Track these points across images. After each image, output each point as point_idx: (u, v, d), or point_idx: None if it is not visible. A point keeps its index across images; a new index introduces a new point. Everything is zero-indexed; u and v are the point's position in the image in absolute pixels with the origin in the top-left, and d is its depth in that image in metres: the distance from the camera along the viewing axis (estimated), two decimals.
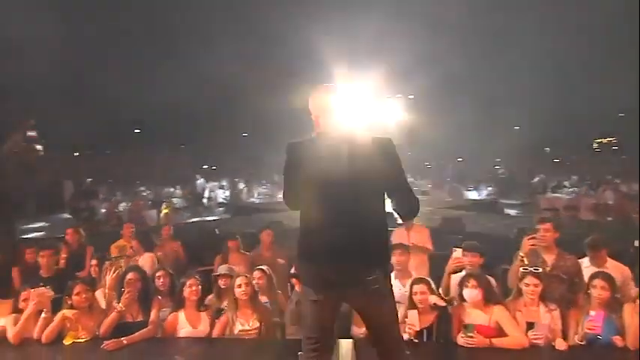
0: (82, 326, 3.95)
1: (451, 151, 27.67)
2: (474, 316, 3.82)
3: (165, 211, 14.50)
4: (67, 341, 3.89)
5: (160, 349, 3.83)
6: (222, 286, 4.50)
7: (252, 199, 19.08)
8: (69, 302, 4.00)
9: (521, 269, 3.97)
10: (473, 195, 16.07)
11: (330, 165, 2.28)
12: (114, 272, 4.30)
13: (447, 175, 22.36)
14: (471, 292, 3.84)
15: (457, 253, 4.41)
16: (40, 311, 3.95)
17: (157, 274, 4.56)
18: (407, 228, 6.36)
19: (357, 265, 2.26)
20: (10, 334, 3.88)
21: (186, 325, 4.08)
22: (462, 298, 3.92)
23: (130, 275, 4.14)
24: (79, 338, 3.91)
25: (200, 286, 4.23)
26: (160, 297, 4.32)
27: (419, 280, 4.05)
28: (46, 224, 13.45)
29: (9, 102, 12.32)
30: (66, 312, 3.95)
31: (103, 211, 14.53)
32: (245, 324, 4.09)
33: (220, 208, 16.93)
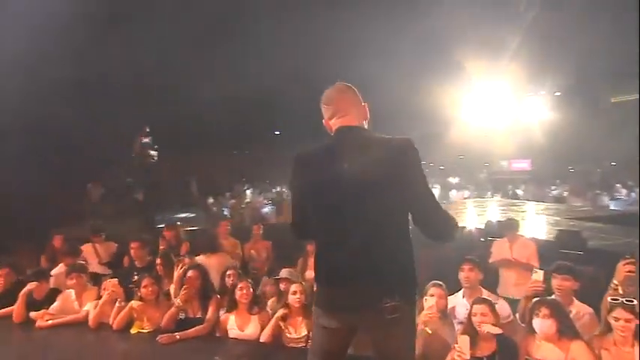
0: (147, 317, 4.24)
1: (601, 154, 24.34)
2: (545, 351, 3.25)
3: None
4: (133, 330, 4.21)
5: (208, 347, 3.92)
6: (283, 290, 4.47)
7: None
8: (138, 294, 4.31)
9: (609, 299, 3.27)
10: (617, 205, 13.90)
11: (338, 176, 2.01)
12: (180, 268, 4.52)
13: (593, 181, 19.72)
14: (542, 323, 3.26)
15: (537, 275, 3.80)
16: (116, 300, 4.32)
17: (227, 273, 4.70)
18: (510, 240, 5.76)
19: (371, 290, 1.96)
20: (90, 318, 4.32)
21: (234, 326, 4.13)
22: (532, 329, 3.36)
23: (190, 273, 4.32)
24: (143, 328, 4.21)
25: (252, 289, 4.24)
26: (218, 296, 4.43)
27: (481, 300, 3.58)
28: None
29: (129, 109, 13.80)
30: (133, 303, 4.28)
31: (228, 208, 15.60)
32: (294, 332, 4.00)
33: None
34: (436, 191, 19.42)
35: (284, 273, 4.67)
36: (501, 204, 14.51)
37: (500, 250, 5.81)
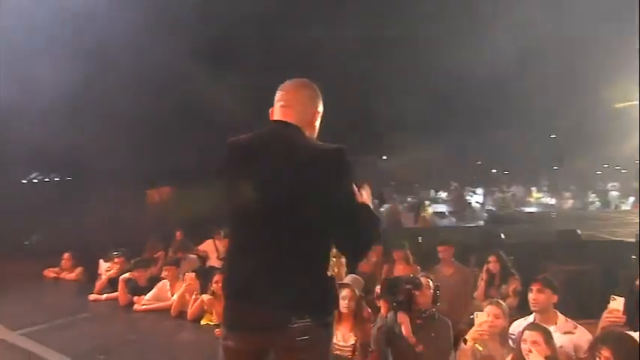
0: (215, 311, 4.56)
1: None
2: None
3: (423, 214, 14.75)
4: (202, 321, 4.58)
5: None
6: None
7: (528, 208, 17.24)
8: (211, 289, 4.67)
9: None
10: None
11: (258, 177, 1.81)
12: None
13: None
14: None
15: (615, 303, 3.07)
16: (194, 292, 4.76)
17: None
18: None
19: (281, 308, 1.76)
20: (172, 307, 4.83)
21: None
22: None
23: None
24: (211, 321, 4.55)
25: None
26: None
27: (534, 327, 3.06)
28: None
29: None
30: (204, 296, 4.64)
31: None
32: (341, 339, 3.90)
33: (485, 214, 15.95)
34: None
35: (348, 279, 4.57)
36: None
37: None
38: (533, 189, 19.45)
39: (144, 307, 5.02)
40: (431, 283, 3.93)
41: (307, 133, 1.94)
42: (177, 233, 7.54)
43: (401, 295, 3.58)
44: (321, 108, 2.03)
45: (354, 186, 1.86)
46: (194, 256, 6.52)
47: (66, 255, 6.57)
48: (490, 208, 17.06)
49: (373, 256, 7.00)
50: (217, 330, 4.21)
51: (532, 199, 18.47)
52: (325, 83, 2.13)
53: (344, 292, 3.97)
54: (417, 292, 3.62)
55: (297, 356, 1.78)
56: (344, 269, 5.17)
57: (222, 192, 1.94)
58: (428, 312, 3.73)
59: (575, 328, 3.41)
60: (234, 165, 1.93)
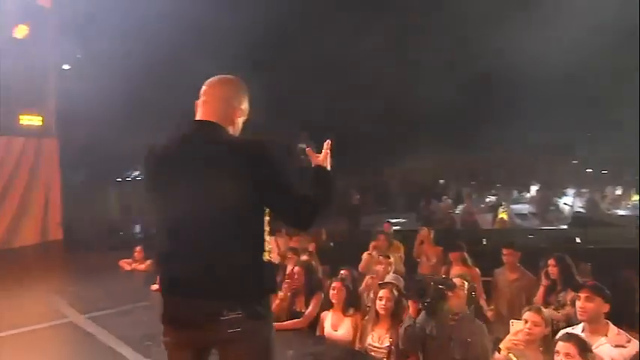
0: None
1: None
2: None
3: (501, 215, 14.05)
4: None
5: (294, 341, 4.12)
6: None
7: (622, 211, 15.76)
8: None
9: None
10: None
11: (180, 175, 1.85)
12: (294, 265, 4.84)
13: None
14: None
15: None
16: None
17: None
18: None
19: (210, 302, 1.78)
20: None
21: (328, 325, 4.20)
22: None
23: (295, 269, 4.60)
24: None
25: (346, 290, 4.22)
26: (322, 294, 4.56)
27: (568, 337, 2.80)
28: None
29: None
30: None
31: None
32: (377, 341, 3.85)
33: (570, 217, 14.82)
34: None
35: (390, 277, 4.49)
36: None
37: None
38: (633, 190, 17.70)
39: None
40: (466, 284, 3.76)
41: (230, 130, 1.96)
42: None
43: (429, 295, 3.47)
44: (244, 105, 2.02)
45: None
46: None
47: (138, 248, 7.10)
48: (579, 210, 15.82)
49: (433, 257, 6.83)
50: None
51: (629, 202, 16.84)
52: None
53: (381, 292, 3.92)
54: (449, 293, 3.47)
55: (233, 350, 1.79)
56: (390, 268, 5.09)
57: (146, 196, 1.97)
58: (461, 314, 3.57)
59: (629, 341, 3.07)
60: (151, 170, 1.97)
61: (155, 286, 5.83)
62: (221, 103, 1.95)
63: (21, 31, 9.37)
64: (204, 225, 1.80)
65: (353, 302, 4.29)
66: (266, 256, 1.88)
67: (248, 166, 1.81)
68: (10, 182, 9.10)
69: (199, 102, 1.98)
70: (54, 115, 10.06)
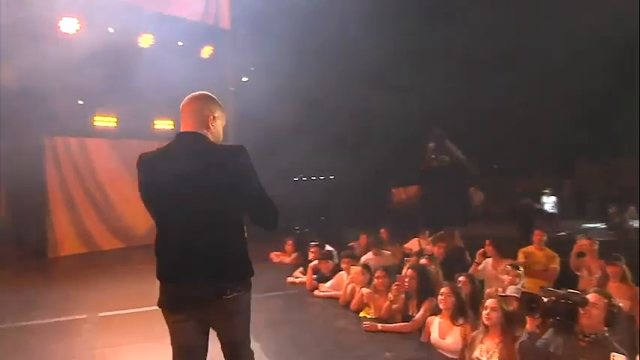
0: (375, 305, 4.66)
1: None
2: None
3: None
4: (361, 314, 4.75)
5: (395, 343, 4.00)
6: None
7: None
8: (373, 283, 4.80)
9: None
10: None
11: (172, 178, 2.15)
12: (408, 268, 4.67)
13: None
14: None
15: None
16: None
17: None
18: None
19: (210, 284, 2.13)
20: (341, 297, 5.15)
21: (435, 332, 3.97)
22: None
23: (408, 272, 4.45)
24: (368, 314, 4.67)
25: (455, 297, 3.93)
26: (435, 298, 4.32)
27: None
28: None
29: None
30: (364, 290, 4.79)
31: None
32: (484, 354, 3.51)
33: None
34: None
35: (511, 290, 4.03)
36: None
37: None
38: None
39: (322, 293, 5.50)
40: (606, 302, 3.17)
41: (209, 135, 2.28)
42: (382, 230, 7.83)
43: (551, 311, 3.04)
44: (217, 113, 2.33)
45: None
46: (388, 252, 6.70)
47: (289, 241, 7.64)
48: None
49: (596, 270, 5.88)
50: (366, 323, 4.33)
51: None
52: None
53: (488, 302, 3.59)
54: (580, 311, 2.98)
55: (225, 318, 2.19)
56: (519, 280, 4.56)
57: (144, 201, 2.25)
58: (595, 335, 3.03)
59: None
60: (144, 174, 2.25)
61: (290, 279, 6.25)
62: (196, 115, 2.29)
63: (207, 52, 10.93)
64: (191, 223, 2.14)
65: (463, 311, 3.97)
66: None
67: (232, 169, 2.14)
68: None
69: (181, 119, 2.33)
70: (232, 124, 11.43)
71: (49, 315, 4.96)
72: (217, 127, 2.33)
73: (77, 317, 4.91)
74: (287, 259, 7.46)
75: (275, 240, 7.58)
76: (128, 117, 9.64)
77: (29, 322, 4.78)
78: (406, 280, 4.44)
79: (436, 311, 4.15)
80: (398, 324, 4.29)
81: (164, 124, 10.31)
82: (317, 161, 15.17)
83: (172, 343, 2.25)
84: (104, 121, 9.32)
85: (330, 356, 3.87)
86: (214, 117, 2.31)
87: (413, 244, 7.70)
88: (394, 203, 17.05)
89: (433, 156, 13.19)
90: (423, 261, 5.00)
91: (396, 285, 4.44)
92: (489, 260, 5.61)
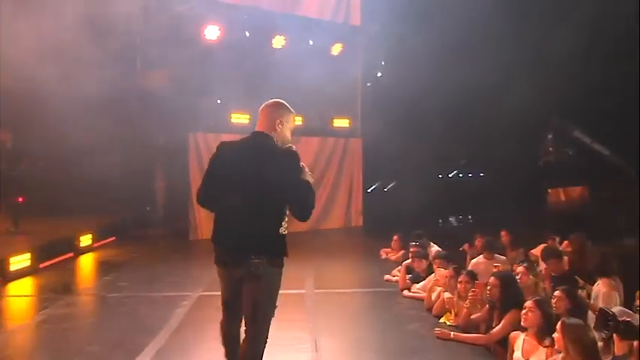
0: (455, 311, 4.32)
1: None
2: None
3: None
4: (442, 319, 4.43)
5: (470, 356, 3.67)
6: None
7: None
8: (457, 287, 4.45)
9: None
10: None
11: (240, 165, 2.73)
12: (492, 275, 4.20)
13: None
14: None
15: None
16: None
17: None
18: None
19: (242, 250, 2.67)
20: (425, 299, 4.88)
21: (519, 349, 3.53)
22: None
23: (491, 279, 4.02)
24: (448, 320, 4.35)
25: (541, 313, 3.44)
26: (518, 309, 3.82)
27: None
28: None
29: None
30: (445, 294, 4.45)
31: None
32: None
33: None
34: None
35: (616, 310, 3.37)
36: None
37: None
38: None
39: (410, 294, 5.26)
40: None
41: (274, 135, 2.81)
42: (503, 233, 7.16)
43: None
44: (283, 118, 2.84)
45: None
46: (502, 257, 6.13)
47: (395, 237, 7.44)
48: None
49: None
50: (437, 330, 4.06)
51: None
52: None
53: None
54: None
55: (248, 279, 2.68)
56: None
57: (211, 175, 2.83)
58: None
59: None
60: (219, 160, 2.82)
61: (387, 276, 6.12)
62: (265, 118, 2.85)
63: (336, 49, 11.19)
64: (241, 202, 2.70)
65: (551, 330, 3.44)
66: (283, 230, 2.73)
67: (286, 168, 2.70)
68: (323, 175, 11.00)
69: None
70: (359, 119, 11.55)
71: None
72: (283, 130, 2.83)
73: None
74: (392, 257, 7.28)
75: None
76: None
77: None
78: (488, 288, 4.02)
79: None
80: (472, 335, 3.92)
81: (295, 121, 10.88)
82: (462, 156, 14.54)
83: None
84: (239, 118, 10.17)
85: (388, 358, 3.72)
86: (281, 121, 2.81)
87: (539, 250, 6.89)
88: (551, 205, 15.48)
89: (551, 149, 11.48)
90: (519, 269, 4.45)
91: (472, 292, 4.04)
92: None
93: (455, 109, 12.14)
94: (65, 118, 7.89)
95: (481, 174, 14.92)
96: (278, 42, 10.38)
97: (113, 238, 9.02)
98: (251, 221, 2.66)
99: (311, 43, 10.80)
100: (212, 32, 9.63)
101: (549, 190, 16.30)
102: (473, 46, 11.46)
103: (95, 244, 8.20)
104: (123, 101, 9.63)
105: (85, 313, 5.18)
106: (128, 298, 5.25)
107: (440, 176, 15.48)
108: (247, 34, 10.12)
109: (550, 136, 11.94)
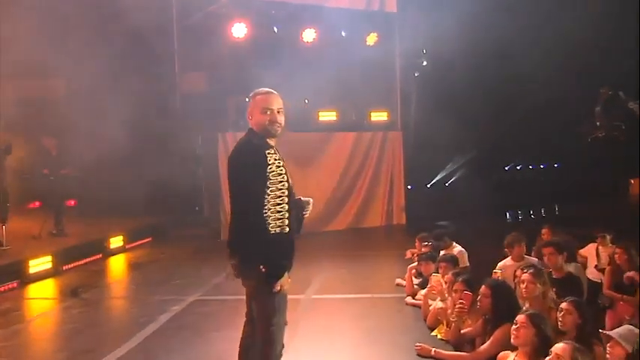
0: (446, 323, 3.78)
1: None
2: None
3: None
4: (434, 332, 3.90)
5: None
6: None
7: None
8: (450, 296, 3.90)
9: None
10: None
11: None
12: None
13: None
14: None
15: None
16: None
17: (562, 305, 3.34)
18: None
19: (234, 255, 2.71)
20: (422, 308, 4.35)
21: None
22: None
23: (481, 289, 3.45)
24: (440, 333, 3.81)
25: (533, 329, 2.86)
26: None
27: None
28: None
29: None
30: (439, 304, 3.91)
31: None
32: None
33: None
34: None
35: (619, 330, 2.72)
36: None
37: None
38: None
39: (411, 301, 4.74)
40: None
41: (256, 129, 2.73)
42: (544, 230, 6.33)
43: None
44: (251, 105, 2.74)
45: None
46: (533, 259, 5.37)
47: (418, 237, 6.83)
48: None
49: None
50: (418, 345, 3.56)
51: None
52: None
53: None
54: None
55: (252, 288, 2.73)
56: None
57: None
58: None
59: None
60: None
61: (399, 280, 5.60)
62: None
63: (372, 39, 10.68)
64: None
65: (547, 350, 2.82)
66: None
67: (231, 168, 2.74)
68: (360, 171, 10.54)
69: None
70: (398, 111, 10.94)
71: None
72: (255, 117, 2.70)
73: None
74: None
75: None
76: (294, 110, 10.20)
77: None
78: (478, 299, 3.44)
79: None
80: (455, 353, 3.38)
81: (328, 116, 10.60)
82: (517, 146, 13.44)
83: None
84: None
85: None
86: (250, 111, 2.72)
87: (588, 250, 5.99)
88: (632, 197, 13.93)
89: (599, 123, 9.83)
90: (524, 276, 3.77)
91: (460, 303, 3.47)
92: None
93: (503, 96, 11.13)
94: (110, 124, 8.13)
95: (541, 165, 13.69)
96: (308, 35, 10.09)
97: (149, 238, 9.19)
98: (231, 224, 2.75)
99: (343, 34, 10.38)
100: (239, 30, 9.53)
101: (631, 181, 14.61)
102: (518, 29, 10.43)
103: (127, 246, 8.37)
104: (164, 104, 9.92)
105: (72, 317, 4.92)
106: (124, 301, 5.22)
107: (497, 169, 14.40)
108: (275, 29, 9.92)
109: (598, 109, 10.21)
